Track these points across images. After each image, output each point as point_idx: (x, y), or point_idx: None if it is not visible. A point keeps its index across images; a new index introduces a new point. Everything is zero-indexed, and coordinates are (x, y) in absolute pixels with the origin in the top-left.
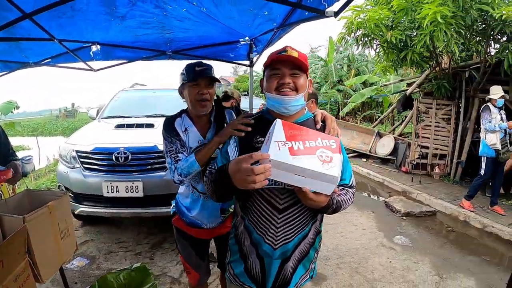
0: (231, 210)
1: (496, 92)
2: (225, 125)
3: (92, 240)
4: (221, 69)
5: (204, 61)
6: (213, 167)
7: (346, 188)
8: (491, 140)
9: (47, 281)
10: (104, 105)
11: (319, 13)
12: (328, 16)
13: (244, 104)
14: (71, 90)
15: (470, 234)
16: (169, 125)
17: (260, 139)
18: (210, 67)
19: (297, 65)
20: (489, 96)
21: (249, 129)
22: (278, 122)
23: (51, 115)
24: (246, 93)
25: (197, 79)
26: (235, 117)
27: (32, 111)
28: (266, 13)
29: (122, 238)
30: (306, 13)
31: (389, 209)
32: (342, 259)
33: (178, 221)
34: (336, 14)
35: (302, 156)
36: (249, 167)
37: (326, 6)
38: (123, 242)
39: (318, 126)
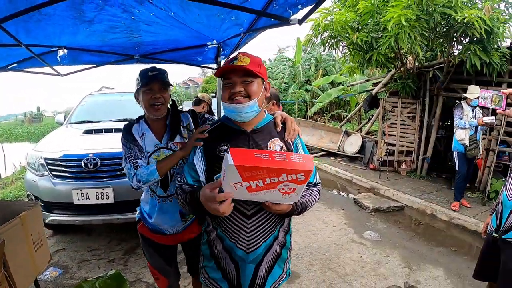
0: (191, 215)
1: (473, 91)
2: (181, 128)
3: (64, 249)
4: (189, 71)
5: (166, 67)
6: (182, 181)
7: (311, 188)
8: (459, 136)
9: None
10: (71, 109)
11: (284, 21)
12: (292, 24)
13: (214, 106)
14: (36, 94)
15: (437, 226)
16: (127, 131)
17: (223, 147)
18: (163, 72)
19: (248, 73)
20: (465, 95)
21: (206, 135)
22: (231, 167)
23: (16, 120)
24: (214, 94)
25: (150, 84)
26: (191, 120)
27: None
28: (234, 18)
29: (94, 246)
30: (272, 20)
31: (358, 206)
32: (314, 256)
33: (142, 227)
34: (300, 21)
35: (262, 192)
36: (215, 207)
37: (291, 14)
38: (96, 250)
39: (279, 129)
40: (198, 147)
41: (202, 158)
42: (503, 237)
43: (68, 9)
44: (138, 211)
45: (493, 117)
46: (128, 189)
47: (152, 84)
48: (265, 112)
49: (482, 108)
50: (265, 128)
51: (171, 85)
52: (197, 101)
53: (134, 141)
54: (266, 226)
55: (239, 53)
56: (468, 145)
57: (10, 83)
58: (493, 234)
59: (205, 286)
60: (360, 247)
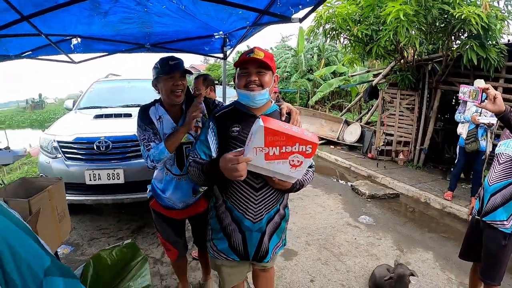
0: (201, 191)
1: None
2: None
3: (75, 228)
4: (192, 58)
5: (175, 55)
6: (195, 156)
7: (307, 169)
8: (458, 129)
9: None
10: (74, 95)
11: (286, 19)
12: (294, 22)
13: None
14: (37, 81)
15: (430, 214)
16: (144, 113)
17: (235, 128)
18: (182, 61)
19: (263, 65)
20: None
21: (201, 108)
22: (261, 128)
23: (18, 106)
24: (216, 82)
25: (171, 72)
26: (203, 106)
27: None
28: (240, 12)
29: (104, 225)
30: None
31: (355, 192)
32: (311, 237)
33: (155, 204)
34: (300, 20)
35: (275, 161)
36: (235, 166)
37: (293, 12)
38: (105, 229)
39: (283, 118)
40: (211, 127)
41: (215, 137)
42: (483, 219)
43: (85, 1)
44: (149, 189)
45: (494, 118)
46: (138, 170)
47: (174, 73)
48: (272, 101)
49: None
50: (272, 115)
51: (191, 72)
52: (203, 79)
53: (150, 124)
54: (271, 199)
55: (254, 47)
56: (465, 138)
57: (11, 70)
58: (476, 216)
59: (214, 258)
60: (355, 230)
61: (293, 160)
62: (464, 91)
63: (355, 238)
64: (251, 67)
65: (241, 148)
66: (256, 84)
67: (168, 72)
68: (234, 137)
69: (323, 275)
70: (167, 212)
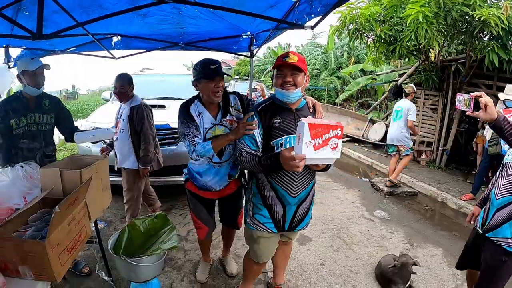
0: (235, 176)
1: (507, 92)
2: (230, 108)
3: (108, 208)
4: (223, 53)
5: (213, 58)
6: (245, 147)
7: None
8: (484, 132)
9: (92, 221)
10: (105, 88)
11: (300, 27)
12: (306, 29)
13: (243, 87)
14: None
15: (445, 213)
16: (186, 111)
17: (276, 120)
18: (220, 64)
19: (296, 68)
20: (499, 94)
21: (256, 127)
22: (306, 126)
23: None
24: (246, 77)
25: (213, 76)
26: (238, 101)
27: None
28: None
29: None
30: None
31: (374, 188)
32: (326, 226)
33: (191, 185)
34: (312, 27)
35: (320, 149)
36: (296, 163)
37: (307, 20)
38: None
39: (311, 110)
40: (255, 120)
41: (260, 129)
42: (486, 235)
43: (127, 5)
44: (185, 172)
45: None
46: (169, 156)
47: (214, 77)
48: (302, 98)
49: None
50: (303, 108)
51: (229, 75)
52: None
53: (192, 121)
54: (306, 178)
55: (289, 52)
56: (488, 141)
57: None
58: (477, 228)
59: (255, 231)
60: (369, 223)
61: (331, 144)
62: (460, 99)
63: (368, 230)
64: (286, 69)
65: (289, 147)
66: (290, 84)
67: (210, 76)
68: (276, 128)
69: (333, 260)
70: (202, 193)
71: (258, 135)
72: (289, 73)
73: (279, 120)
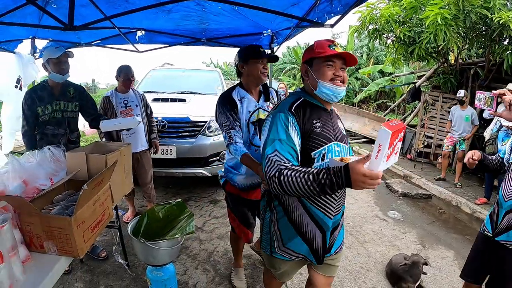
0: None
1: None
2: (271, 96)
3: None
4: (232, 53)
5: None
6: (282, 161)
7: None
8: (484, 133)
9: (114, 204)
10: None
11: (320, 26)
12: (326, 27)
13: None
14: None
15: (459, 217)
16: (226, 97)
17: (317, 123)
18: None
19: (346, 61)
20: None
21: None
22: (389, 135)
23: None
24: None
25: (262, 57)
26: (274, 94)
27: None
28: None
29: None
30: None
31: (389, 189)
32: None
33: (231, 188)
34: (332, 26)
35: (391, 157)
36: (373, 182)
37: (327, 18)
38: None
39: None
40: (291, 123)
41: (298, 136)
42: (496, 238)
43: (151, 1)
44: (220, 175)
45: None
46: (188, 149)
47: (263, 58)
48: None
49: None
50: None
51: (277, 58)
52: None
53: (232, 109)
54: (343, 196)
55: (333, 40)
56: (485, 141)
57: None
58: (485, 233)
59: (287, 260)
60: (382, 223)
61: (396, 149)
62: (480, 98)
63: (381, 230)
64: (338, 61)
65: (363, 156)
66: (340, 80)
67: (259, 56)
68: (317, 133)
69: (345, 256)
70: (244, 194)
71: (297, 143)
72: (339, 66)
73: (319, 124)
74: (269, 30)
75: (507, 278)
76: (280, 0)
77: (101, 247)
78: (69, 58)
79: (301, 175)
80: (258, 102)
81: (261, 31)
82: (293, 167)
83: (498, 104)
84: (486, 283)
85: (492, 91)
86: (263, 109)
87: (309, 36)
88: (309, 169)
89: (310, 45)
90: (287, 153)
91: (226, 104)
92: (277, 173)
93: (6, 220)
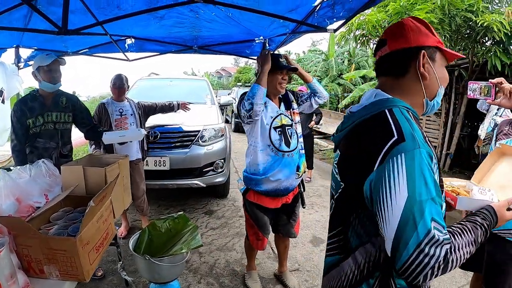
0: (302, 168)
1: None
2: (291, 103)
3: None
4: (222, 60)
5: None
6: (441, 231)
7: None
8: (479, 131)
9: (115, 219)
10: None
11: (322, 30)
12: (329, 32)
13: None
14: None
15: (451, 215)
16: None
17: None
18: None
19: None
20: None
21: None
22: None
23: None
24: (247, 84)
25: (283, 68)
26: (291, 97)
27: None
28: (282, 20)
29: None
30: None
31: None
32: None
33: (251, 195)
34: (335, 31)
35: None
36: None
37: (328, 24)
38: None
39: None
40: (435, 167)
41: (436, 170)
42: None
43: (144, 6)
44: (239, 183)
45: None
46: (182, 159)
47: (284, 69)
48: None
49: None
50: None
51: (295, 69)
52: None
53: None
54: None
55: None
56: (482, 140)
57: None
58: None
59: None
60: None
61: None
62: (474, 88)
63: None
64: None
65: None
66: None
67: (281, 68)
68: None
69: None
70: (265, 201)
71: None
72: None
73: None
74: (261, 37)
75: (488, 261)
76: (278, 6)
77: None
78: (60, 66)
79: (466, 242)
80: (279, 107)
81: (253, 38)
82: (448, 235)
83: (496, 93)
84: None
85: (490, 80)
86: (285, 115)
87: (289, 45)
88: (463, 226)
89: (417, 21)
90: (441, 216)
91: None
92: (445, 255)
93: (3, 245)
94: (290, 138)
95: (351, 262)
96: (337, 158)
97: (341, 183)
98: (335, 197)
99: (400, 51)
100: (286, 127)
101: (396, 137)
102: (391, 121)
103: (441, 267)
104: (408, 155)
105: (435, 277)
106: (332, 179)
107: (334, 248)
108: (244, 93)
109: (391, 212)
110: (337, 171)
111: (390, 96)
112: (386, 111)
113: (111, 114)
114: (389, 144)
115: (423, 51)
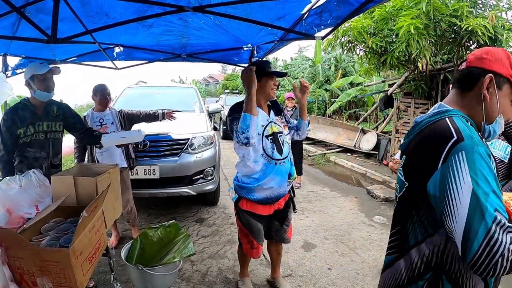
0: (294, 176)
1: None
2: (279, 106)
3: None
4: (210, 68)
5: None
6: (503, 225)
7: None
8: None
9: (107, 229)
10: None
11: (310, 37)
12: (317, 39)
13: (233, 100)
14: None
15: None
16: (238, 107)
17: None
18: None
19: None
20: None
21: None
22: None
23: None
24: (237, 91)
25: (274, 74)
26: (281, 107)
27: None
28: (270, 28)
29: None
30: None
31: (370, 196)
32: (328, 233)
33: (244, 204)
34: (323, 38)
35: None
36: None
37: (316, 31)
38: None
39: None
40: (493, 163)
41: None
42: None
43: (133, 15)
44: (230, 192)
45: None
46: (172, 167)
47: (274, 75)
48: None
49: None
50: None
51: (286, 74)
52: None
53: None
54: None
55: None
56: None
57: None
58: None
59: None
60: (369, 228)
61: None
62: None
63: (370, 235)
64: None
65: None
66: None
67: (272, 74)
68: None
69: (340, 264)
70: (258, 209)
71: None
72: None
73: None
74: (249, 45)
75: None
76: (266, 14)
77: None
78: (54, 75)
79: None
80: (269, 115)
81: (242, 45)
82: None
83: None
84: None
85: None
86: (275, 122)
87: (282, 49)
88: None
89: (503, 52)
90: (503, 208)
91: (239, 112)
92: (511, 242)
93: None
94: (282, 145)
95: (406, 261)
96: (402, 162)
97: (405, 182)
98: (398, 196)
99: (473, 69)
100: (278, 135)
101: (455, 137)
102: (450, 126)
103: (510, 258)
104: (468, 152)
105: (504, 270)
106: (397, 182)
107: (392, 247)
108: (235, 108)
109: (459, 205)
110: (402, 173)
111: (451, 108)
112: (447, 118)
113: (91, 125)
114: (450, 144)
115: (491, 75)
